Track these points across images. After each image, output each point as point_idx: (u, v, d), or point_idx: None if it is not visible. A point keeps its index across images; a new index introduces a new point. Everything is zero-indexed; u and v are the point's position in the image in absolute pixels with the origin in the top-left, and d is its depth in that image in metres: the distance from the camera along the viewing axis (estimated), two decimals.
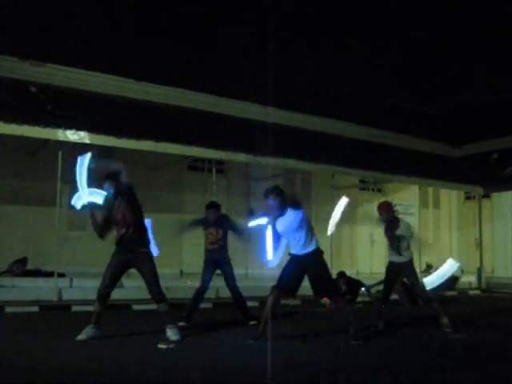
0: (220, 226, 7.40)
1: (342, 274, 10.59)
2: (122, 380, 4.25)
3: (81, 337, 5.65)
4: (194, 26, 10.70)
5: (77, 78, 10.27)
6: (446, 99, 15.25)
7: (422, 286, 7.32)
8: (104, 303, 5.90)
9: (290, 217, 5.84)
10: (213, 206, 7.53)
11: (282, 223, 5.85)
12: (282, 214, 5.84)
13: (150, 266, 5.85)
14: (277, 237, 5.91)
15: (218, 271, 7.55)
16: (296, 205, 5.90)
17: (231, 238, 7.55)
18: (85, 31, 10.48)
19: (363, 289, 10.62)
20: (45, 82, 9.89)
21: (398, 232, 6.95)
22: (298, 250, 5.88)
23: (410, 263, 7.00)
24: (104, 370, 4.51)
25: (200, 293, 7.32)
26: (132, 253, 5.80)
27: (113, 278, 5.88)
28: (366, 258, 15.28)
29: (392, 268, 7.05)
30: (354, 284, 10.68)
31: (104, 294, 5.84)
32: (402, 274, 7.24)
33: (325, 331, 6.74)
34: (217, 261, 7.39)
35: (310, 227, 5.95)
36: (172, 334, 5.76)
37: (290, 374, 4.50)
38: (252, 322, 7.14)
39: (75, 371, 4.44)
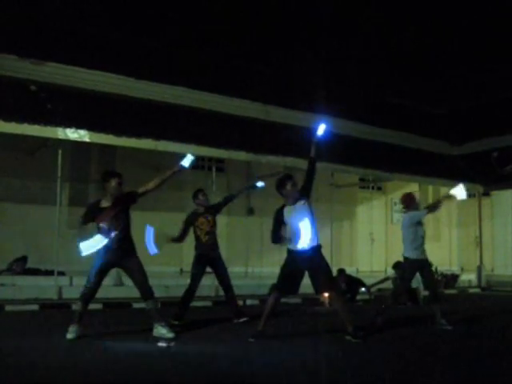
0: (211, 212, 7.22)
1: (341, 272, 10.55)
2: (123, 379, 4.24)
3: (70, 336, 5.62)
4: (193, 26, 10.70)
5: (77, 77, 10.27)
6: (446, 98, 15.24)
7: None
8: (88, 304, 5.91)
9: (305, 206, 5.78)
10: (201, 191, 7.30)
11: (295, 212, 5.76)
12: (297, 200, 5.80)
13: (138, 264, 5.85)
14: (278, 225, 5.85)
15: (208, 269, 7.27)
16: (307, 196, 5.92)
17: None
18: (84, 31, 10.48)
19: (363, 289, 10.55)
20: (45, 80, 9.89)
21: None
22: (303, 243, 5.70)
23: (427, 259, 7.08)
24: (104, 368, 4.52)
25: (191, 293, 7.07)
26: (121, 252, 5.79)
27: (101, 278, 5.88)
28: (365, 256, 15.27)
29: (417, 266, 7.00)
30: (354, 282, 10.63)
31: (91, 294, 5.84)
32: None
33: (325, 330, 6.73)
34: (210, 257, 7.15)
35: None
36: (166, 331, 5.78)
37: (289, 374, 4.50)
38: (243, 319, 7.10)
39: (75, 370, 4.44)
